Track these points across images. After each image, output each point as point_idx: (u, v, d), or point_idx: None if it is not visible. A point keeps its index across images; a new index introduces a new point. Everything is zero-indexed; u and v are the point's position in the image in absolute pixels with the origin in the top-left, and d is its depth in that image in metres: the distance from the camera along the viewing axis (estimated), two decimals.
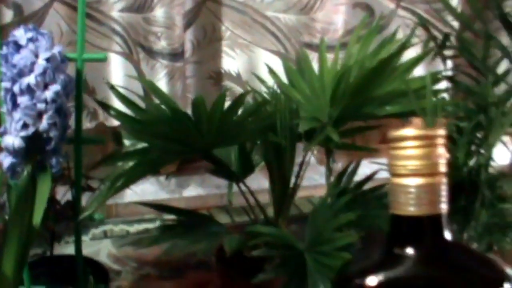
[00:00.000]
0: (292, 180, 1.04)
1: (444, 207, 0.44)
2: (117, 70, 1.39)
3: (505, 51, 0.92)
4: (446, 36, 0.92)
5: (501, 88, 0.94)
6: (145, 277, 1.30)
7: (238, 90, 1.48)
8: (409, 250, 0.45)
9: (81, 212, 0.93)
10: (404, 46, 0.99)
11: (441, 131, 0.45)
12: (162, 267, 1.34)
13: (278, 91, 1.06)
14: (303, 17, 1.47)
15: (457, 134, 0.93)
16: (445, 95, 1.02)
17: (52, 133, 0.83)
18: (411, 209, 0.44)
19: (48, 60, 0.82)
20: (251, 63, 1.47)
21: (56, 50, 0.84)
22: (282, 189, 1.02)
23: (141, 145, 0.92)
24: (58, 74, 0.84)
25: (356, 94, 0.94)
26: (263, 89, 1.11)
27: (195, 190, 1.60)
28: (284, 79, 1.10)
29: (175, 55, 1.39)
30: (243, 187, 1.04)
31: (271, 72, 1.11)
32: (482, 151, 0.92)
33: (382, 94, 0.98)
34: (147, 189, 1.55)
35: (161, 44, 1.37)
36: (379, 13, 1.49)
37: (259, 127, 0.94)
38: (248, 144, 1.07)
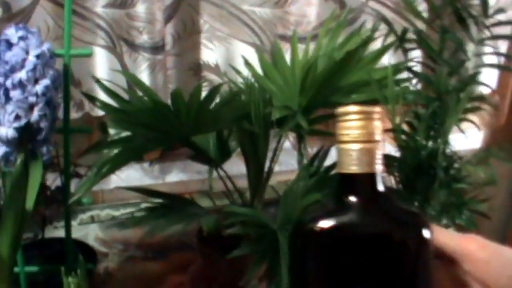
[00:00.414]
0: (267, 165, 1.10)
1: (378, 167, 0.54)
2: (102, 63, 1.44)
3: (459, 44, 0.99)
4: (404, 31, 0.99)
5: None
6: (131, 259, 1.36)
7: (218, 80, 1.53)
8: (352, 201, 0.55)
9: (70, 196, 0.99)
10: (369, 39, 1.05)
11: (377, 109, 0.55)
12: (147, 249, 1.40)
13: (253, 81, 1.11)
14: (277, 10, 1.52)
15: (416, 120, 0.99)
16: (410, 85, 1.07)
17: (43, 124, 0.88)
18: (353, 168, 0.54)
19: (38, 56, 0.87)
20: (229, 54, 1.52)
21: (45, 47, 0.89)
22: (257, 173, 1.08)
23: (125, 134, 0.97)
24: (47, 70, 0.89)
25: (324, 83, 1.00)
26: (239, 80, 1.15)
27: (178, 176, 1.65)
28: (259, 70, 1.16)
29: (156, 48, 1.43)
30: (222, 173, 1.10)
31: (247, 63, 1.16)
32: (439, 136, 0.98)
33: (348, 84, 1.04)
34: (131, 175, 1.59)
35: (143, 38, 1.42)
36: (350, 6, 1.53)
37: (234, 116, 1.00)
38: (225, 131, 1.13)
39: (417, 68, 1.05)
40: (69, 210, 1.01)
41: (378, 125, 0.54)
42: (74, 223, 1.50)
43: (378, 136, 0.54)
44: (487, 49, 1.05)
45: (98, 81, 0.99)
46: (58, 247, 1.10)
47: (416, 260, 0.53)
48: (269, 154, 1.09)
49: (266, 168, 1.10)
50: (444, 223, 1.03)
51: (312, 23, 1.53)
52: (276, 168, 1.39)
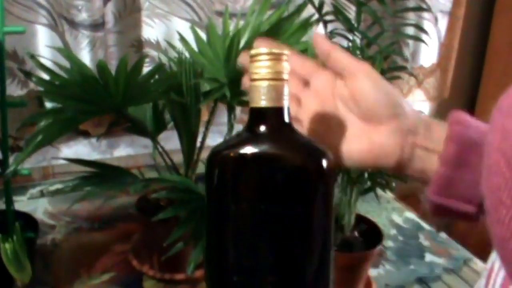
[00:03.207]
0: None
1: (286, 102, 0.60)
2: (44, 41, 1.47)
3: (375, 16, 1.04)
4: (321, 3, 1.04)
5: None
6: (77, 230, 1.41)
7: (159, 56, 1.57)
8: (261, 131, 0.60)
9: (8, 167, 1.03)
10: (293, 13, 1.10)
11: (285, 51, 0.60)
12: (93, 220, 1.44)
13: (187, 56, 1.15)
14: None
15: None
16: None
17: None
18: (262, 103, 0.59)
19: None
20: (169, 31, 1.56)
21: None
22: (190, 145, 1.13)
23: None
24: None
25: None
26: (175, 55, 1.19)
27: (125, 150, 1.69)
28: (195, 45, 1.20)
29: (96, 26, 1.47)
30: (161, 147, 1.14)
31: (182, 39, 1.21)
32: None
33: None
34: (80, 151, 1.63)
35: (82, 16, 1.46)
36: None
37: (162, 87, 1.05)
38: (160, 103, 1.17)
39: (339, 40, 1.11)
40: (8, 179, 1.05)
41: (286, 66, 0.60)
42: (23, 198, 1.55)
43: (285, 76, 0.60)
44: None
45: (32, 56, 1.03)
46: (1, 218, 1.14)
47: (315, 185, 0.59)
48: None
49: (199, 141, 1.15)
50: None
51: (248, 1, 1.57)
52: (218, 141, 1.44)
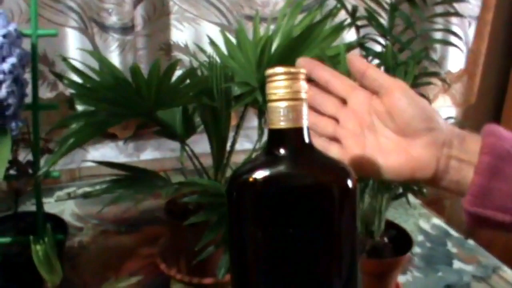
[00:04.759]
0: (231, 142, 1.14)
1: (305, 122, 0.59)
2: (74, 44, 1.48)
3: (408, 21, 1.04)
4: (355, 8, 1.04)
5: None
6: (104, 232, 1.41)
7: (188, 60, 1.56)
8: (281, 153, 0.59)
9: (39, 169, 1.04)
10: (325, 17, 1.10)
11: (302, 70, 0.59)
12: (120, 223, 1.45)
13: (218, 60, 1.15)
14: None
15: None
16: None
17: (11, 100, 0.92)
18: (281, 124, 0.59)
19: (4, 36, 0.91)
20: (198, 35, 1.56)
21: (11, 27, 0.93)
22: (219, 148, 1.13)
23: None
24: (14, 48, 0.93)
25: (280, 60, 1.04)
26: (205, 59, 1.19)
27: (152, 154, 1.69)
28: (225, 49, 1.20)
29: (126, 29, 1.48)
30: (190, 151, 1.14)
31: (212, 43, 1.21)
32: None
33: None
34: (107, 154, 1.64)
35: (112, 20, 1.46)
36: None
37: (194, 91, 1.05)
38: (190, 107, 1.17)
39: (372, 45, 1.10)
40: (38, 182, 1.06)
41: (303, 85, 0.59)
42: (51, 200, 1.56)
43: (303, 95, 0.59)
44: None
45: (64, 59, 1.03)
46: (31, 220, 1.14)
47: (340, 206, 0.58)
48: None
49: (229, 145, 1.14)
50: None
51: (278, 4, 1.57)
52: (248, 145, 1.44)
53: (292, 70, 0.58)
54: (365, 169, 0.72)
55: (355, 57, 0.73)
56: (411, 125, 0.69)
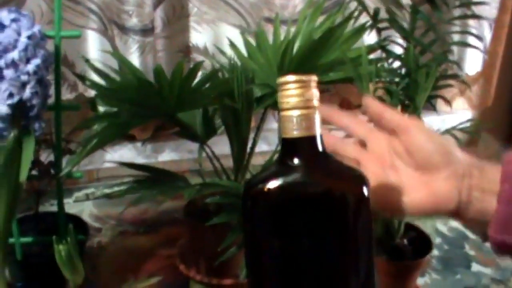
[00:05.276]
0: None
1: (318, 130, 0.59)
2: (95, 45, 1.48)
3: (429, 23, 1.04)
4: (377, 10, 1.04)
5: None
6: (123, 233, 1.42)
7: (207, 62, 1.56)
8: (295, 162, 0.59)
9: (61, 170, 1.04)
10: (346, 19, 1.10)
11: (314, 77, 0.58)
12: (139, 224, 1.45)
13: (238, 62, 1.15)
14: None
15: (388, 96, 1.05)
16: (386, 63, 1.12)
17: (35, 101, 0.93)
18: (294, 133, 0.58)
19: (29, 37, 0.92)
20: (217, 37, 1.56)
21: (36, 28, 0.94)
22: (240, 149, 1.13)
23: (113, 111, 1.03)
24: (38, 50, 0.93)
25: (301, 62, 1.05)
26: (225, 61, 1.19)
27: (170, 155, 1.69)
28: (244, 51, 1.21)
29: (146, 31, 1.48)
30: (210, 152, 1.14)
31: (232, 45, 1.21)
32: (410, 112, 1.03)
33: (325, 63, 1.09)
34: (125, 155, 1.64)
35: (133, 21, 1.47)
36: None
37: (216, 93, 1.05)
38: (210, 109, 1.17)
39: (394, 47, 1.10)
40: (60, 182, 1.07)
41: (315, 93, 0.58)
42: (69, 200, 1.56)
43: (315, 102, 0.58)
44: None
45: (87, 60, 1.04)
46: (52, 220, 1.15)
47: (356, 214, 0.58)
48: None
49: (249, 146, 1.15)
50: None
51: (297, 6, 1.57)
52: (265, 147, 1.44)
53: (304, 78, 0.58)
54: (389, 208, 0.72)
55: (371, 101, 0.74)
56: (430, 161, 0.70)
